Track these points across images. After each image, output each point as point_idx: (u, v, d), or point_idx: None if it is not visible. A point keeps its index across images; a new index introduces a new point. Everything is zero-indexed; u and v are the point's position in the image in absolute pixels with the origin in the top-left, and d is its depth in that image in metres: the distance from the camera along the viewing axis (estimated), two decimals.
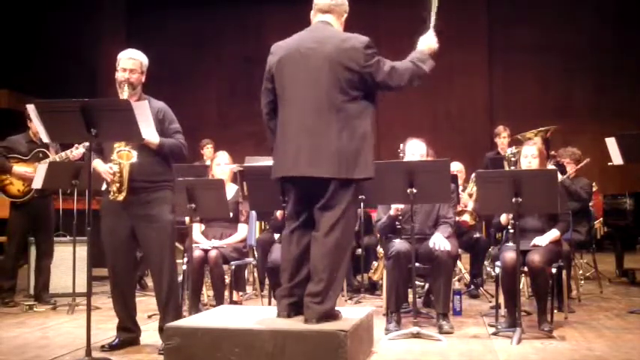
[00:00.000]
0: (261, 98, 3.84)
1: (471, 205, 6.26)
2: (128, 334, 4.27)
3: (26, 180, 5.90)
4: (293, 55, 3.68)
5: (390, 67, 3.67)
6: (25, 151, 5.98)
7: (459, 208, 6.16)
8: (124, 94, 4.06)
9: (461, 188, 6.40)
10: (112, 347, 4.13)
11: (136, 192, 4.10)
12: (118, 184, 4.03)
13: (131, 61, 4.19)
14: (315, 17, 3.82)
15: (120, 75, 4.16)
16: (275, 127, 3.78)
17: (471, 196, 6.36)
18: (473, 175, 6.40)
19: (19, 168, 5.91)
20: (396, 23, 12.43)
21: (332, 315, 3.63)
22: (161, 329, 4.10)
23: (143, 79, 4.26)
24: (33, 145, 6.01)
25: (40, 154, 5.97)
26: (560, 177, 4.75)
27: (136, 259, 4.64)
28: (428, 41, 3.86)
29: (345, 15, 3.84)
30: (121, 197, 4.05)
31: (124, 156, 4.02)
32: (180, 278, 5.29)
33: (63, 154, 5.86)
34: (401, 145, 5.20)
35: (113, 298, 4.34)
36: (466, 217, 6.20)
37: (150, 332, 4.64)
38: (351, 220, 3.73)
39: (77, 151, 5.83)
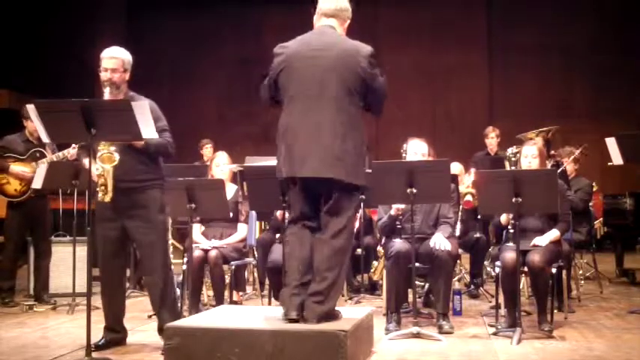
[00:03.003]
0: (261, 90, 3.86)
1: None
2: (114, 334, 4.27)
3: (23, 180, 5.89)
4: (300, 57, 3.71)
5: (385, 82, 3.78)
6: (21, 150, 5.97)
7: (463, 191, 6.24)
8: (105, 94, 4.04)
9: None
10: (98, 347, 4.11)
11: (124, 193, 4.08)
12: (103, 187, 4.01)
13: (112, 61, 4.16)
14: (319, 21, 3.85)
15: (102, 75, 4.14)
16: (272, 98, 3.82)
17: (468, 187, 6.38)
18: (472, 170, 6.44)
19: (16, 167, 5.90)
20: (395, 23, 12.45)
21: (332, 315, 3.64)
22: (161, 329, 4.10)
23: (127, 77, 4.22)
24: (29, 144, 6.00)
25: (37, 154, 5.96)
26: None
27: (127, 262, 4.64)
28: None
29: (348, 21, 3.88)
30: (107, 198, 4.02)
31: (106, 159, 3.98)
32: (180, 278, 5.30)
33: (60, 153, 5.84)
34: (404, 146, 5.20)
35: (102, 299, 4.33)
36: (469, 198, 6.22)
37: (150, 332, 4.64)
38: (353, 224, 3.84)
39: (74, 151, 5.80)
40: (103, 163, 3.97)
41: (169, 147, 4.20)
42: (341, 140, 3.61)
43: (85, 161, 4.15)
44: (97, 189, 4.04)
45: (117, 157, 3.97)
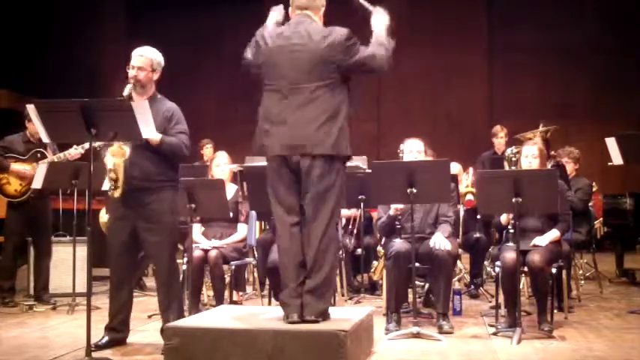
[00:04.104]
0: (247, 56, 3.93)
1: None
2: (116, 334, 4.27)
3: (24, 178, 5.89)
4: (277, 48, 3.74)
5: (371, 53, 3.76)
6: (22, 150, 5.97)
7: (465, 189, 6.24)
8: (125, 90, 4.04)
9: None
10: (98, 347, 4.11)
11: (137, 192, 4.10)
12: (113, 181, 4.02)
13: (140, 59, 4.18)
14: (294, 13, 3.87)
15: (129, 72, 4.16)
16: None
17: (467, 186, 6.39)
18: (470, 169, 6.46)
19: (16, 165, 5.89)
20: (395, 23, 12.44)
21: (328, 313, 3.67)
22: (162, 330, 4.10)
23: (155, 77, 4.25)
24: (30, 145, 5.99)
25: (38, 155, 5.95)
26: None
27: (137, 261, 4.64)
28: (382, 19, 3.93)
29: (323, 9, 3.89)
30: (117, 194, 4.04)
31: (117, 153, 4.00)
32: (180, 278, 5.30)
33: (62, 154, 5.83)
34: (401, 146, 5.21)
35: (110, 297, 4.34)
36: (470, 197, 6.22)
37: (150, 332, 4.64)
38: (338, 212, 3.84)
39: (75, 151, 5.79)
40: (114, 157, 3.98)
41: (183, 147, 4.19)
42: (319, 126, 3.63)
43: (106, 159, 4.17)
44: (108, 183, 4.04)
45: (128, 150, 3.99)
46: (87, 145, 5.53)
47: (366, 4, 3.95)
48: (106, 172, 4.05)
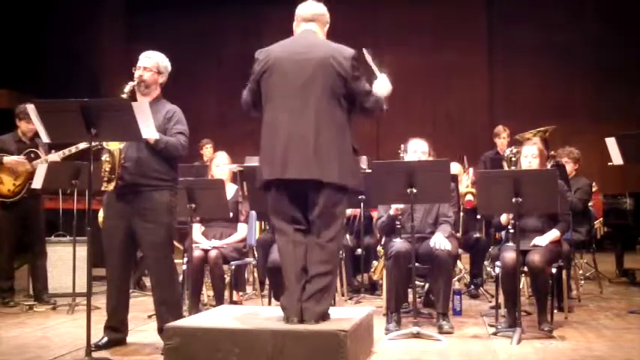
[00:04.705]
0: (244, 94, 3.91)
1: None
2: (116, 333, 4.27)
3: (19, 176, 5.84)
4: (283, 60, 3.69)
5: (370, 89, 3.74)
6: (14, 150, 5.93)
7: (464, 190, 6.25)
8: (126, 87, 4.04)
9: None
10: (98, 347, 4.11)
11: (134, 191, 4.10)
12: (108, 172, 4.01)
13: (147, 60, 4.23)
14: (299, 27, 3.85)
15: (135, 73, 4.20)
16: (255, 111, 3.87)
17: (467, 187, 6.40)
18: (470, 170, 6.45)
19: (8, 158, 5.82)
20: (395, 22, 12.45)
21: (327, 315, 3.67)
22: (160, 329, 4.10)
23: (160, 79, 4.30)
24: (22, 144, 5.97)
25: (32, 155, 5.94)
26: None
27: (135, 260, 4.64)
28: (384, 86, 3.88)
29: (327, 25, 3.88)
30: (110, 187, 4.04)
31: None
32: (180, 278, 5.30)
33: (42, 159, 5.81)
34: (402, 146, 5.21)
35: (107, 296, 4.34)
36: (470, 197, 6.23)
37: (150, 332, 4.64)
38: (343, 225, 3.88)
39: (54, 156, 5.76)
40: (110, 145, 3.98)
41: (179, 147, 4.18)
42: (326, 142, 3.59)
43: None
44: (102, 174, 4.04)
45: None
46: (61, 153, 5.59)
47: (375, 69, 3.92)
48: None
